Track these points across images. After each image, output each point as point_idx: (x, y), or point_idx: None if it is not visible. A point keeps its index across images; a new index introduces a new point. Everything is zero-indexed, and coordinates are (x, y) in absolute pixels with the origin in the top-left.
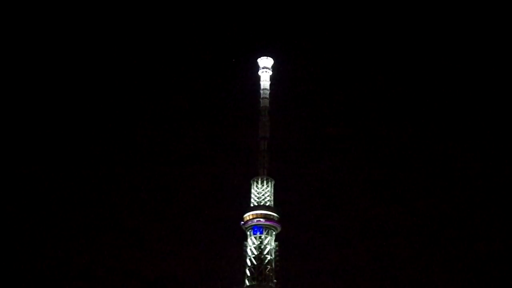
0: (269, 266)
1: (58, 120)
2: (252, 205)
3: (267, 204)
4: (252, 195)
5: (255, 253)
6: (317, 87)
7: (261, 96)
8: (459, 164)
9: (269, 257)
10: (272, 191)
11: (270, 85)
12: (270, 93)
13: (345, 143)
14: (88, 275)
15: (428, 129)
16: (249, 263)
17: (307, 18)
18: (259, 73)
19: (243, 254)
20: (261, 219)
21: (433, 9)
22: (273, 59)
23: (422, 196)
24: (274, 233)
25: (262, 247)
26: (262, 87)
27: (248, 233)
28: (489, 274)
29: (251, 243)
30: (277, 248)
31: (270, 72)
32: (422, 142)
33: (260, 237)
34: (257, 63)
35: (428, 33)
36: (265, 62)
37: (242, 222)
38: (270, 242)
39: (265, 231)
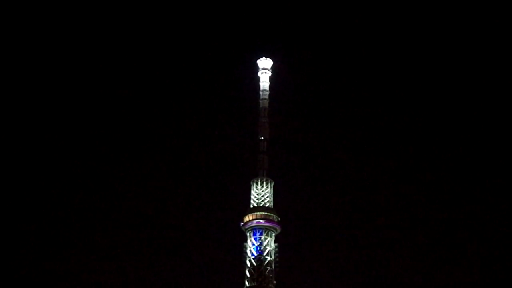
0: (268, 267)
1: (57, 120)
2: (251, 206)
3: (266, 205)
4: (252, 196)
5: (255, 254)
6: (316, 88)
7: (261, 97)
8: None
9: (268, 258)
10: (272, 192)
11: (269, 86)
12: (269, 94)
13: (345, 143)
14: (88, 277)
15: (433, 127)
16: (248, 264)
17: (306, 19)
18: (259, 74)
19: (243, 255)
20: (261, 220)
21: (432, 10)
22: (273, 60)
23: (423, 196)
24: (273, 234)
25: (262, 248)
26: (261, 88)
27: (248, 234)
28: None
29: (251, 244)
30: (276, 249)
31: (270, 73)
32: (424, 141)
33: (260, 238)
34: (256, 64)
35: (427, 33)
36: (265, 63)
37: (242, 224)
38: (269, 243)
39: (265, 232)
